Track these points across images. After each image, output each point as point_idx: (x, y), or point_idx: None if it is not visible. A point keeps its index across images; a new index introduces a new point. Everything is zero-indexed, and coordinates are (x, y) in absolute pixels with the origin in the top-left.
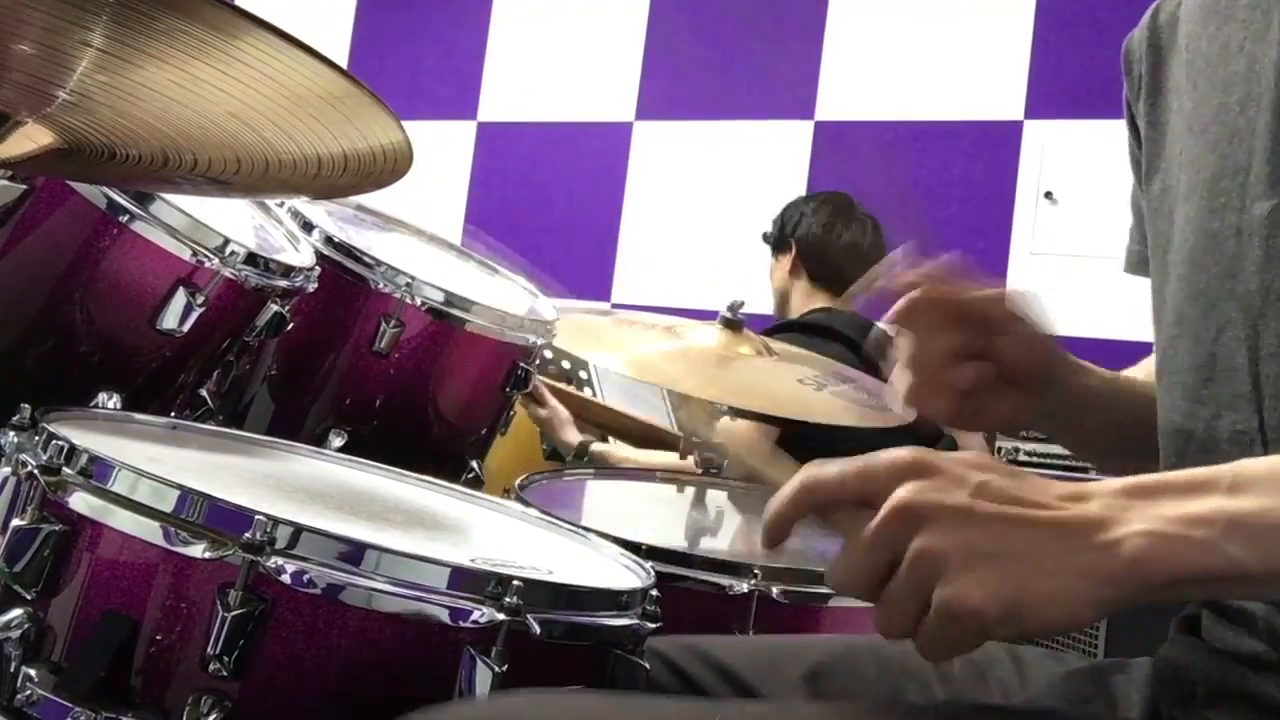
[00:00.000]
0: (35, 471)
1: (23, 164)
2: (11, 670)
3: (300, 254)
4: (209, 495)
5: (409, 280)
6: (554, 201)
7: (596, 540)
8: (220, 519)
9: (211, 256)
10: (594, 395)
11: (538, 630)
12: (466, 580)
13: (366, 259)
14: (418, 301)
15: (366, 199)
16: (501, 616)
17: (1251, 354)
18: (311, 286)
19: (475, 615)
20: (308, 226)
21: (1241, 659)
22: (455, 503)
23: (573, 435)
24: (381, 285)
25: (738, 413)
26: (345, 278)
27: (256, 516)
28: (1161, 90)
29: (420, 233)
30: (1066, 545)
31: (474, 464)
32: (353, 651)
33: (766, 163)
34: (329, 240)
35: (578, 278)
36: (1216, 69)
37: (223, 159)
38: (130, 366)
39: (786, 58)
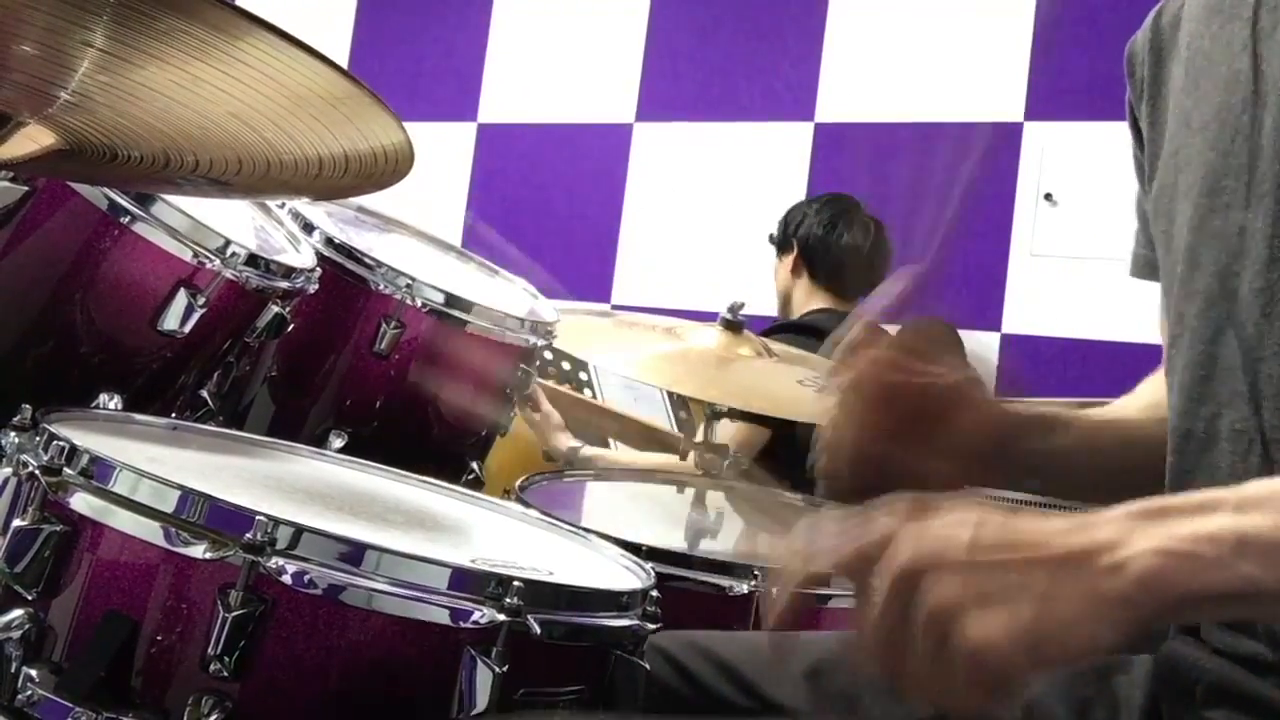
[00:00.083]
0: (36, 472)
1: (24, 165)
2: (12, 670)
3: (301, 255)
4: (210, 496)
5: (409, 281)
6: (554, 203)
7: (597, 541)
8: (221, 519)
9: (212, 258)
10: (594, 396)
11: (538, 631)
12: (467, 581)
13: (367, 260)
14: (418, 303)
15: (367, 200)
16: (502, 617)
17: (1250, 353)
18: (312, 288)
19: (476, 616)
20: (308, 228)
21: (1241, 659)
22: (456, 503)
23: (563, 441)
24: (382, 286)
25: (734, 414)
26: (346, 279)
27: (257, 517)
28: (1163, 92)
29: (421, 234)
30: (1076, 572)
31: (474, 465)
32: (353, 652)
33: (767, 164)
34: (329, 241)
35: (578, 279)
36: (1219, 67)
37: (224, 160)
38: (131, 367)
39: (786, 59)
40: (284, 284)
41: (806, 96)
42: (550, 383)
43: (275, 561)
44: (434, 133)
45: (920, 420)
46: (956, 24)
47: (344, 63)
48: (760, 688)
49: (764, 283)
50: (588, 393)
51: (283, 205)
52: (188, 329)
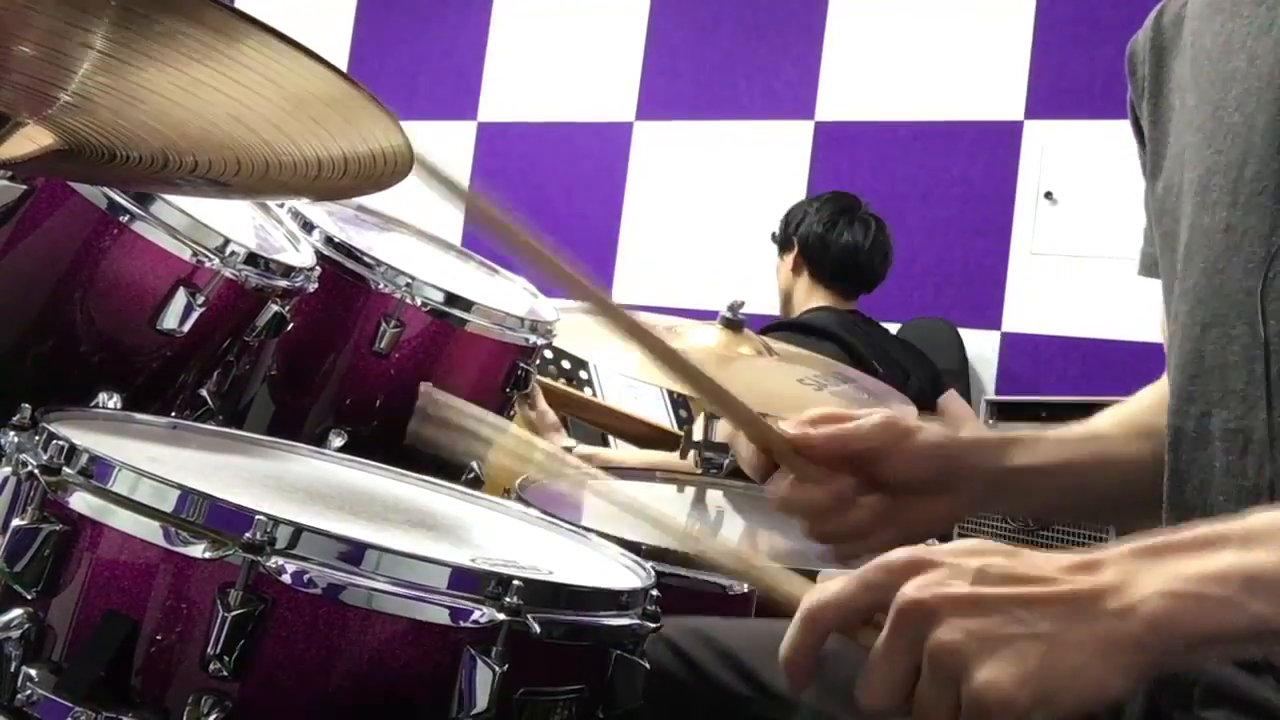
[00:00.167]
0: (35, 471)
1: (23, 165)
2: (12, 670)
3: (300, 254)
4: (209, 495)
5: (409, 280)
6: (554, 201)
7: (597, 540)
8: (220, 519)
9: (212, 256)
10: (595, 395)
11: (538, 630)
12: (467, 580)
13: (367, 259)
14: (418, 301)
15: (367, 199)
16: (502, 616)
17: (1247, 352)
18: (312, 286)
19: (476, 615)
20: (308, 226)
21: (1239, 662)
22: (455, 503)
23: (557, 440)
24: (381, 285)
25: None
26: (345, 278)
27: (257, 516)
28: (1164, 91)
29: (420, 233)
30: (1084, 616)
31: (474, 464)
32: (353, 651)
33: (767, 163)
34: (329, 240)
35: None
36: (1219, 65)
37: (223, 160)
38: (131, 366)
39: (786, 58)
40: (283, 283)
41: (806, 96)
42: (549, 380)
43: (275, 561)
44: (434, 132)
45: (862, 469)
46: (956, 24)
47: (344, 63)
48: (763, 677)
49: (764, 281)
50: (588, 391)
51: (282, 204)
52: (187, 328)
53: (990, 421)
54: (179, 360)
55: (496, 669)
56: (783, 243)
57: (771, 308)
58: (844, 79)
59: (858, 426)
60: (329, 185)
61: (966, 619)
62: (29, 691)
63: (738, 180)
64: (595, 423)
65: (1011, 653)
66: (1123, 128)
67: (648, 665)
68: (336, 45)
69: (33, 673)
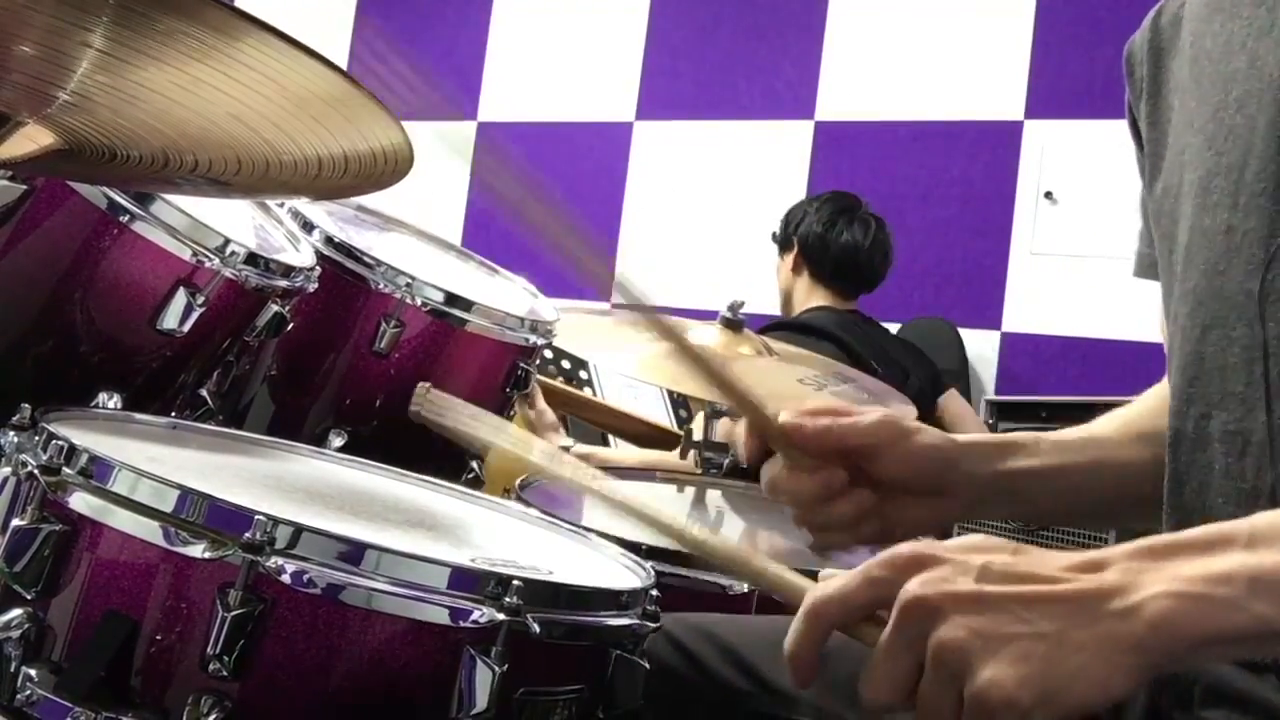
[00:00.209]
0: (35, 471)
1: (23, 164)
2: (11, 670)
3: (300, 254)
4: (209, 495)
5: (409, 280)
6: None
7: (597, 540)
8: (220, 519)
9: (212, 256)
10: (595, 395)
11: (538, 630)
12: (467, 580)
13: (367, 259)
14: (418, 301)
15: (367, 199)
16: (502, 616)
17: (1247, 354)
18: (312, 286)
19: (475, 615)
20: (308, 226)
21: (1240, 662)
22: (455, 503)
23: (554, 439)
24: (382, 285)
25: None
26: (345, 278)
27: (256, 516)
28: (1162, 91)
29: (420, 233)
30: (1087, 616)
31: (474, 464)
32: (353, 651)
33: (767, 163)
34: (329, 240)
35: (578, 278)
36: (1219, 66)
37: (223, 160)
38: (130, 366)
39: (786, 58)
40: (283, 283)
41: (806, 95)
42: (549, 380)
43: (275, 561)
44: (434, 132)
45: (855, 464)
46: (956, 24)
47: (344, 63)
48: (764, 672)
49: (764, 281)
50: (588, 391)
51: (282, 204)
52: (187, 328)
53: (990, 421)
54: (179, 360)
55: (496, 669)
56: (783, 243)
57: (772, 308)
58: (844, 79)
59: (854, 422)
60: (329, 184)
61: (970, 617)
62: (29, 691)
63: (738, 180)
64: (595, 422)
65: (1014, 652)
66: (1123, 128)
67: (648, 664)
68: (336, 45)
69: (33, 673)
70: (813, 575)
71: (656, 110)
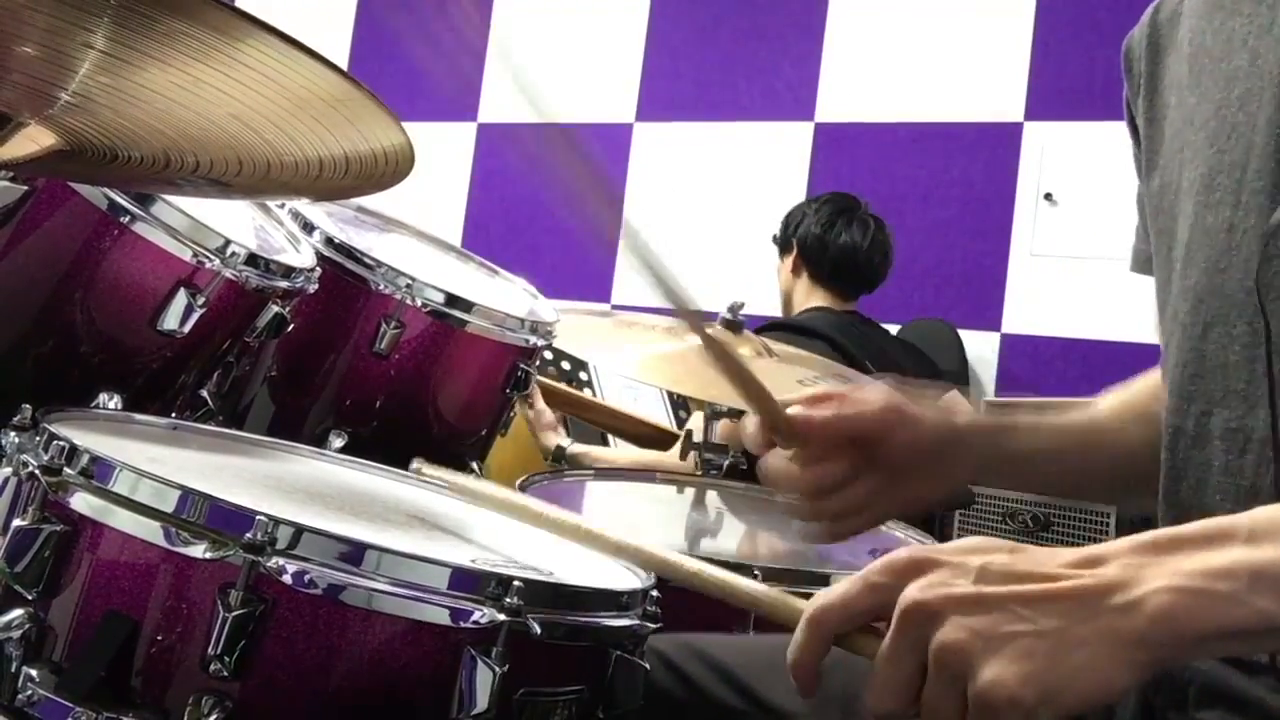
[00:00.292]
0: (36, 472)
1: (24, 165)
2: (12, 670)
3: (301, 255)
4: (210, 496)
5: (409, 281)
6: (554, 203)
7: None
8: (221, 519)
9: (212, 257)
10: (595, 396)
11: (538, 631)
12: (467, 581)
13: (367, 260)
14: (418, 302)
15: (367, 200)
16: (502, 617)
17: (1249, 351)
18: (312, 287)
19: (476, 616)
20: (308, 227)
21: (1235, 662)
22: (455, 503)
23: (552, 439)
24: (382, 286)
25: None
26: (346, 279)
27: (257, 517)
28: (1160, 87)
29: (421, 234)
30: (1088, 612)
31: (474, 465)
32: (353, 652)
33: (767, 164)
34: (329, 241)
35: (578, 279)
36: (1220, 63)
37: (224, 161)
38: (131, 367)
39: (786, 58)
40: (284, 284)
41: (806, 96)
42: (549, 381)
43: (275, 561)
44: (434, 132)
45: (863, 450)
46: (956, 24)
47: (344, 63)
48: (758, 692)
49: (764, 282)
50: (588, 392)
51: (282, 205)
52: (187, 329)
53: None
54: (179, 361)
55: (496, 669)
56: (782, 245)
57: (772, 309)
58: (844, 80)
59: (860, 411)
60: (330, 185)
61: (970, 618)
62: (29, 692)
63: (738, 181)
64: (595, 423)
65: (1015, 650)
66: (1123, 129)
67: (647, 665)
68: (336, 46)
69: (33, 673)
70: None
71: (656, 111)
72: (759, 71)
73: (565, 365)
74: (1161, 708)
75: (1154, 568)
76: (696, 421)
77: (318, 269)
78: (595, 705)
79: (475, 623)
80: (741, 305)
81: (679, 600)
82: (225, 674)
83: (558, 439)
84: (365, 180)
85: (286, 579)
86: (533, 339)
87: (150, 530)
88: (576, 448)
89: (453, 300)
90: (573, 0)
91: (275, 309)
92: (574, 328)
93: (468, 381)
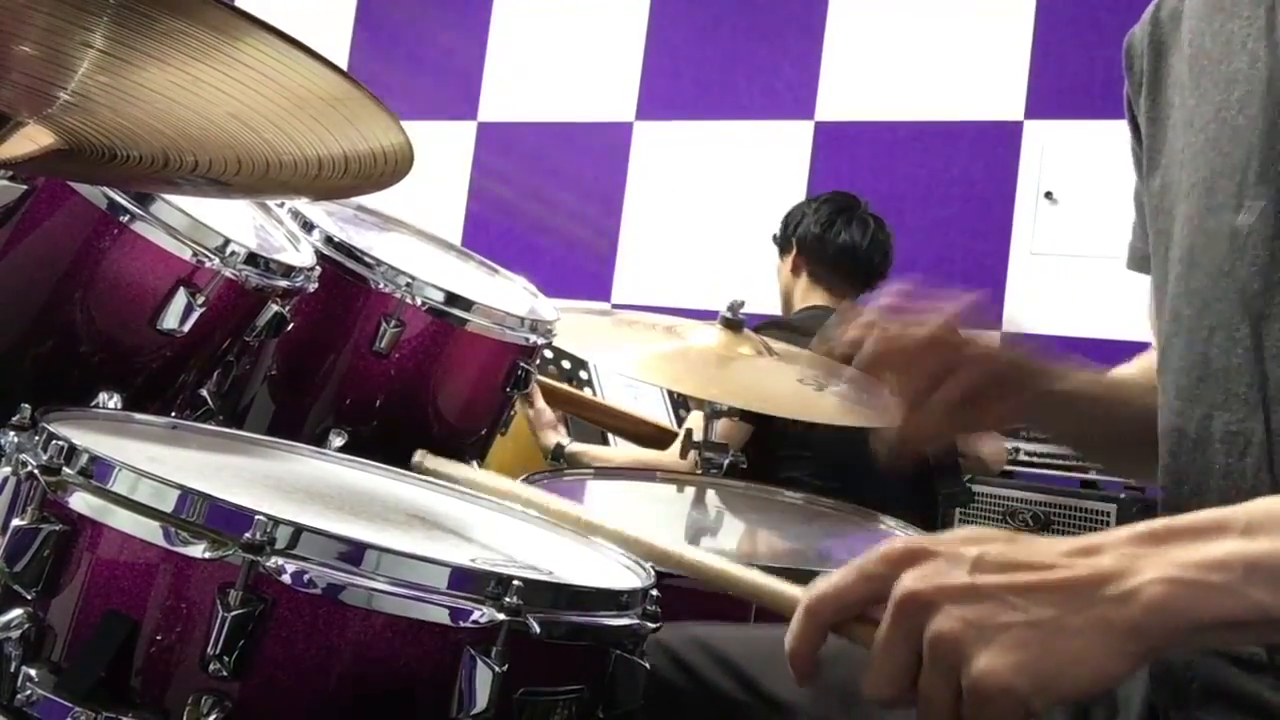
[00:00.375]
0: (35, 471)
1: (23, 164)
2: (11, 670)
3: (301, 254)
4: (209, 495)
5: (409, 280)
6: (554, 202)
7: (597, 540)
8: (220, 519)
9: (212, 257)
10: (595, 395)
11: (538, 630)
12: (467, 580)
13: (367, 259)
14: (418, 301)
15: (367, 199)
16: (502, 616)
17: (1251, 355)
18: (312, 286)
19: (475, 615)
20: (308, 226)
21: (1235, 660)
22: (455, 503)
23: (551, 437)
24: (382, 285)
25: (734, 412)
26: (345, 278)
27: (257, 516)
28: (1162, 86)
29: (420, 233)
30: (1082, 602)
31: (474, 464)
32: (353, 651)
33: (767, 163)
34: (329, 240)
35: (578, 278)
36: (1219, 65)
37: (223, 160)
38: (130, 366)
39: (786, 58)
40: (283, 283)
41: (806, 96)
42: (549, 380)
43: (275, 561)
44: (434, 132)
45: (937, 368)
46: (956, 24)
47: (344, 62)
48: (760, 683)
49: (764, 281)
50: (588, 391)
51: (282, 204)
52: (187, 328)
53: None
54: (179, 360)
55: (496, 669)
56: (782, 244)
57: (772, 308)
58: (844, 79)
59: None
60: (329, 185)
61: (964, 608)
62: (29, 691)
63: (738, 180)
64: (595, 422)
65: (1009, 640)
66: (1123, 128)
67: (648, 665)
68: (336, 45)
69: (33, 673)
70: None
71: (656, 110)
72: (759, 71)
73: (565, 364)
74: (1164, 706)
75: (1149, 558)
76: (696, 420)
77: (317, 268)
78: (595, 705)
79: (475, 622)
80: (741, 304)
81: (680, 592)
82: (225, 674)
83: (558, 438)
84: (365, 180)
85: (286, 579)
86: (533, 338)
87: (150, 530)
88: (576, 447)
89: (453, 299)
90: (573, 0)
91: (275, 308)
92: (574, 327)
93: (468, 380)
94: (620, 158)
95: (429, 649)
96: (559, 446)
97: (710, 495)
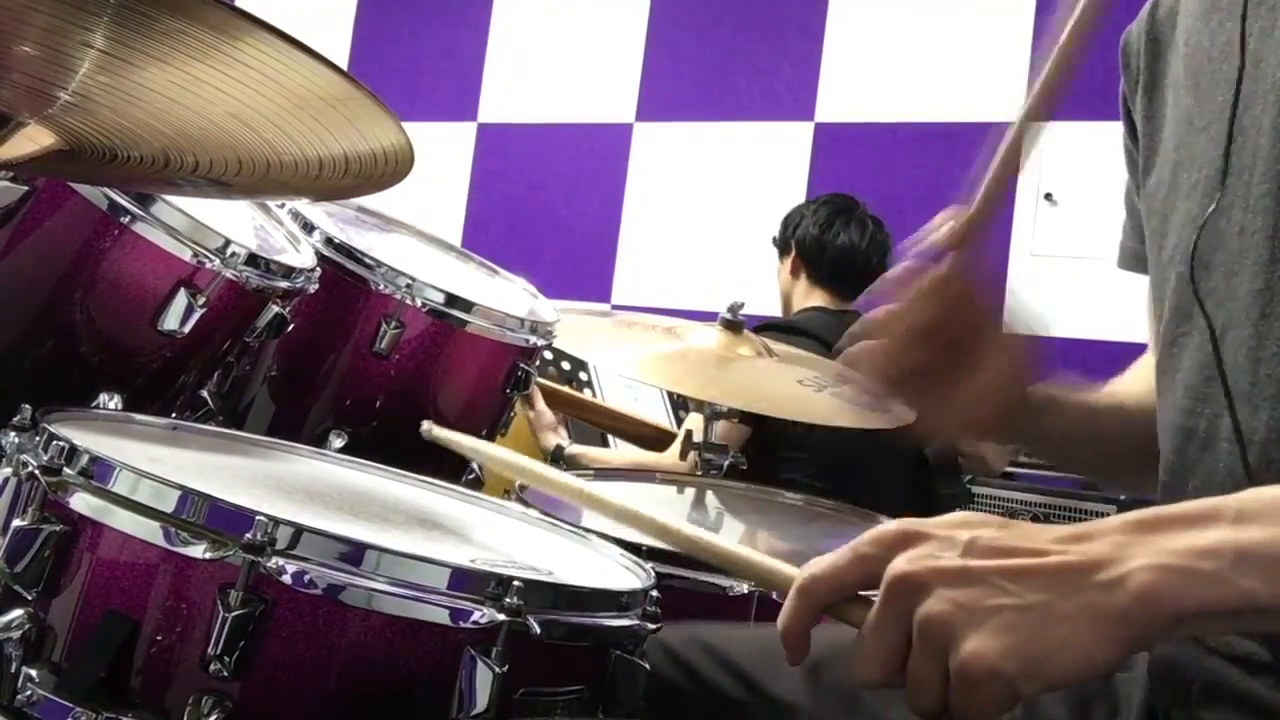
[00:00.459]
0: (36, 472)
1: (24, 165)
2: (12, 670)
3: (301, 255)
4: (210, 496)
5: (409, 281)
6: (554, 203)
7: (597, 541)
8: (221, 519)
9: (212, 257)
10: (595, 396)
11: (538, 631)
12: (467, 581)
13: (367, 260)
14: (418, 302)
15: (367, 200)
16: (502, 617)
17: (1253, 354)
18: (312, 287)
19: (476, 616)
20: (308, 227)
21: (1236, 659)
22: (455, 503)
23: (551, 439)
24: (382, 286)
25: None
26: (346, 279)
27: (257, 517)
28: (1159, 85)
29: (421, 234)
30: (1072, 587)
31: (474, 465)
32: (353, 652)
33: (766, 164)
34: (329, 241)
35: (578, 279)
36: (1218, 65)
37: (224, 160)
38: (131, 367)
39: (786, 58)
40: (284, 284)
41: (806, 96)
42: (549, 382)
43: (275, 561)
44: (434, 133)
45: (953, 352)
46: (956, 24)
47: (344, 63)
48: (761, 683)
49: (764, 282)
50: (588, 392)
51: (283, 205)
52: (188, 329)
53: None
54: (179, 361)
55: (496, 669)
56: (781, 246)
57: (772, 309)
58: (844, 80)
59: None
60: (330, 185)
61: (954, 591)
62: (29, 692)
63: (737, 181)
64: (595, 423)
65: (998, 623)
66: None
67: (648, 666)
68: (336, 46)
69: (33, 673)
70: None
71: (656, 111)
72: (759, 71)
73: (565, 365)
74: (1164, 706)
75: (1140, 545)
76: (696, 422)
77: (318, 269)
78: (595, 705)
79: (475, 623)
80: (741, 305)
81: (680, 592)
82: (225, 674)
83: (558, 440)
84: (365, 180)
85: (286, 579)
86: (533, 339)
87: (150, 530)
88: (576, 448)
89: (453, 300)
90: (573, 0)
91: (275, 309)
92: (574, 328)
93: (468, 381)
94: (620, 159)
95: (429, 649)
96: (559, 448)
97: (710, 496)
